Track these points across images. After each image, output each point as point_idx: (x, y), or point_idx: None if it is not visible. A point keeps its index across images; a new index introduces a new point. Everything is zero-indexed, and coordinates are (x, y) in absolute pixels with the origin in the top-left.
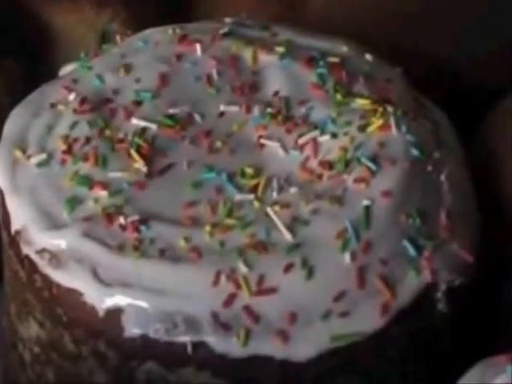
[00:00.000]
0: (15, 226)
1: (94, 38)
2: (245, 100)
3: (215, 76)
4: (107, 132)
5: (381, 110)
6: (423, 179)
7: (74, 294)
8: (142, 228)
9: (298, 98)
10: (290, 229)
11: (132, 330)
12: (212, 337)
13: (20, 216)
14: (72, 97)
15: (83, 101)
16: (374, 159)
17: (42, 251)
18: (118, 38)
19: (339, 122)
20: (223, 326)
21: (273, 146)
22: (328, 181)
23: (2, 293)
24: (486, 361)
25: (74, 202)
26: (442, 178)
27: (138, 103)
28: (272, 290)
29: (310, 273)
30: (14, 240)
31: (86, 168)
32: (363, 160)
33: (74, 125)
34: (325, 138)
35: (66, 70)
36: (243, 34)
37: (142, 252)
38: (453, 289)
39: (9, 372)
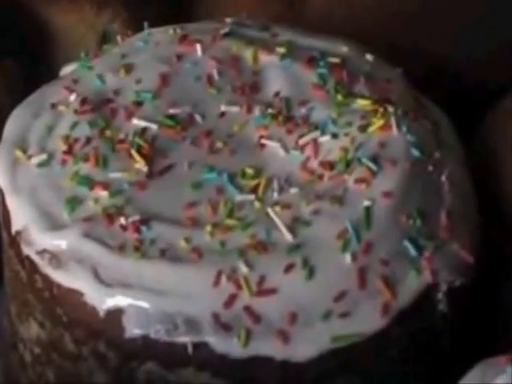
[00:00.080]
0: (16, 226)
1: (94, 38)
2: (245, 100)
3: (216, 76)
4: (108, 132)
5: (381, 110)
6: (424, 179)
7: (75, 294)
8: (143, 228)
9: (298, 98)
10: (291, 229)
11: (132, 330)
12: (212, 337)
13: (20, 216)
14: (73, 97)
15: (84, 101)
16: (375, 159)
17: (42, 251)
18: (118, 38)
19: (340, 122)
20: (224, 327)
21: (273, 146)
22: (329, 181)
23: (2, 293)
24: (486, 361)
25: (74, 203)
26: (443, 178)
27: (139, 103)
28: (272, 291)
29: (311, 273)
30: (15, 240)
31: (86, 168)
32: (364, 160)
33: (74, 125)
34: (325, 139)
35: (67, 70)
36: (244, 34)
37: (143, 252)
38: (453, 289)
39: (9, 372)
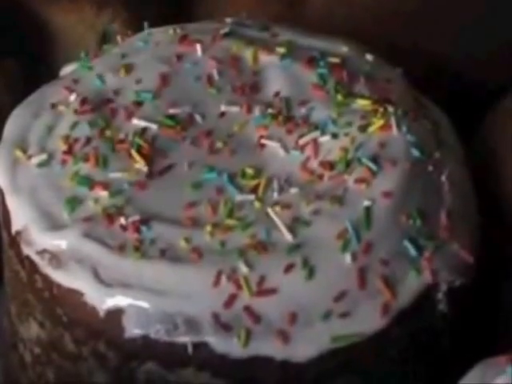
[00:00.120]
0: (16, 226)
1: (94, 38)
2: (245, 100)
3: (216, 76)
4: (108, 132)
5: (381, 110)
6: (424, 179)
7: (75, 294)
8: (143, 228)
9: (298, 98)
10: (291, 229)
11: (132, 330)
12: (212, 337)
13: (20, 216)
14: (73, 97)
15: (84, 101)
16: (375, 159)
17: (42, 251)
18: (118, 38)
19: (340, 122)
20: (224, 327)
21: (273, 146)
22: (329, 181)
23: (2, 293)
24: (486, 361)
25: (74, 203)
26: (443, 178)
27: (139, 103)
28: (272, 291)
29: (311, 273)
30: (15, 240)
31: (86, 168)
32: (364, 160)
33: (74, 125)
34: (325, 139)
35: (67, 70)
36: (244, 34)
37: (143, 252)
38: (453, 289)
39: (9, 372)
